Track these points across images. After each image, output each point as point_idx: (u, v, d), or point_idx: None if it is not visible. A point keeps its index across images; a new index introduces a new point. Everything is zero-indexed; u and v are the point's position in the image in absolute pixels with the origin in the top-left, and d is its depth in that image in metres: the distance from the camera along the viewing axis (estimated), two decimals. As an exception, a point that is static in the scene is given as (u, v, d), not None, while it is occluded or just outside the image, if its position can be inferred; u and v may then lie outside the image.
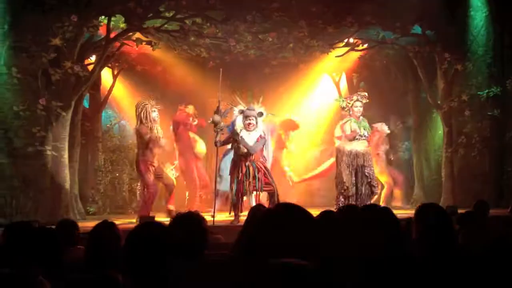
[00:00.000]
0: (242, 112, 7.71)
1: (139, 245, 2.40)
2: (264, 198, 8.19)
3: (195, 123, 10.56)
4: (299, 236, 1.56)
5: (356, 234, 2.32)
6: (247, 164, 7.69)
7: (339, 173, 8.59)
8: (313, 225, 1.63)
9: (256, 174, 7.69)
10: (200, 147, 10.54)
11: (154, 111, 8.68)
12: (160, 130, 8.70)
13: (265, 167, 7.97)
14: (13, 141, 8.39)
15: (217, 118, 7.82)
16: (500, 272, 2.40)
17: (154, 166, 8.61)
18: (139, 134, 8.59)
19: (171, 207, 8.67)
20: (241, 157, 7.69)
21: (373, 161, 8.96)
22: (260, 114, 7.77)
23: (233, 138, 7.75)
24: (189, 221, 2.86)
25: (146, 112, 8.50)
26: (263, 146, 8.19)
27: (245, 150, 7.60)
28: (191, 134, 10.46)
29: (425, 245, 2.86)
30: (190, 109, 10.65)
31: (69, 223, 4.43)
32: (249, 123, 7.63)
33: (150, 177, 8.57)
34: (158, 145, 8.58)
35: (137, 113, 8.61)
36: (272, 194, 7.74)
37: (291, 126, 11.48)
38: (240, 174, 7.68)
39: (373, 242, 2.22)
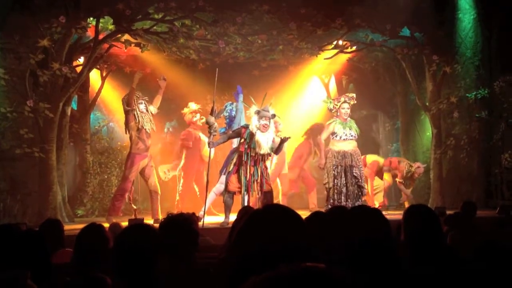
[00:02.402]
0: (258, 112, 7.58)
1: (128, 247, 2.39)
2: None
3: (203, 120, 9.81)
4: (287, 237, 1.55)
5: (345, 235, 2.32)
6: (257, 165, 7.61)
7: (327, 174, 8.63)
8: (301, 226, 1.62)
9: (264, 173, 7.69)
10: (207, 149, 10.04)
11: (141, 103, 8.66)
12: (149, 122, 8.67)
13: (266, 166, 8.00)
14: (0, 143, 8.32)
15: (211, 119, 7.74)
16: (488, 274, 2.41)
17: (151, 166, 8.79)
18: (125, 121, 8.66)
19: (161, 218, 8.59)
20: (254, 157, 7.58)
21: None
22: (273, 116, 7.71)
23: (245, 138, 7.61)
24: (180, 223, 2.85)
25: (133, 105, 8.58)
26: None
27: (262, 151, 7.48)
28: (202, 137, 10.09)
29: (413, 247, 2.87)
30: (190, 106, 10.19)
31: (53, 222, 4.40)
32: (265, 124, 7.51)
33: (130, 173, 8.59)
34: (147, 135, 8.61)
35: (124, 107, 8.66)
36: (266, 193, 7.67)
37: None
38: (248, 174, 7.57)
39: (361, 243, 2.22)
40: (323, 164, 8.66)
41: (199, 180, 9.98)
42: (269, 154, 7.75)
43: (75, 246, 3.28)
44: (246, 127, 7.65)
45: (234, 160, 7.72)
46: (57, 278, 2.76)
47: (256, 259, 1.46)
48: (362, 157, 9.79)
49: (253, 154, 7.55)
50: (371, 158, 10.17)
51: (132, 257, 2.34)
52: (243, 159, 7.59)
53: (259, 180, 7.61)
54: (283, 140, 7.58)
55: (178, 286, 2.53)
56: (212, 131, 7.73)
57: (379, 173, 10.17)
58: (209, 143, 7.78)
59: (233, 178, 7.65)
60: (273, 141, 7.64)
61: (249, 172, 7.57)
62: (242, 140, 7.62)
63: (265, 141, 7.50)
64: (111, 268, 2.42)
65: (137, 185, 10.33)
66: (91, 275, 2.56)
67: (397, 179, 10.10)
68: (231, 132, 7.97)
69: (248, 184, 7.56)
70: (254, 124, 7.54)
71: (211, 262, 2.92)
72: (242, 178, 7.58)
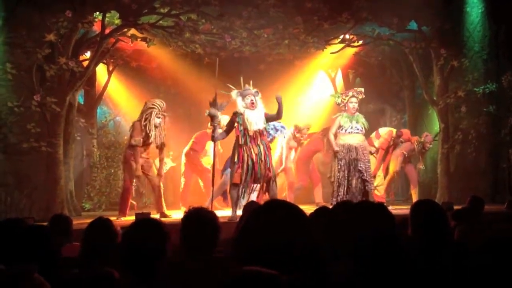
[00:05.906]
0: (240, 93, 7.39)
1: (135, 241, 2.40)
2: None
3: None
4: (289, 234, 1.54)
5: (350, 230, 2.31)
6: (258, 143, 7.33)
7: (333, 168, 8.62)
8: (304, 222, 1.61)
9: (268, 153, 7.39)
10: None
11: (159, 117, 8.40)
12: (160, 137, 8.44)
13: (269, 146, 7.69)
14: (7, 137, 8.35)
15: (213, 111, 7.49)
16: (496, 269, 2.40)
17: (148, 159, 8.62)
18: (131, 129, 8.52)
19: (166, 211, 8.48)
20: (252, 137, 7.30)
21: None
22: (257, 93, 7.53)
23: (237, 122, 7.32)
24: (203, 217, 2.85)
25: (150, 116, 8.34)
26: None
27: (254, 127, 7.23)
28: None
29: (421, 241, 2.86)
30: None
31: (62, 218, 4.43)
32: (251, 101, 7.31)
33: (128, 173, 8.52)
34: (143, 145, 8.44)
35: (142, 111, 8.49)
36: (269, 181, 7.41)
37: None
38: (254, 154, 7.27)
39: (367, 238, 2.21)
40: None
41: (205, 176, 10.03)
42: (265, 131, 7.50)
43: (82, 240, 3.29)
44: (235, 113, 7.47)
45: (238, 151, 7.42)
46: (65, 272, 2.77)
47: (259, 255, 1.45)
48: (375, 131, 9.72)
49: (251, 134, 7.32)
50: (384, 129, 10.01)
51: (139, 252, 2.34)
52: (241, 142, 7.33)
53: (263, 159, 7.32)
54: (277, 99, 7.26)
55: (197, 278, 2.55)
56: (215, 124, 7.59)
57: (394, 145, 9.88)
58: (212, 137, 7.67)
59: (239, 169, 7.36)
60: (265, 116, 7.43)
61: (254, 152, 7.32)
62: (236, 124, 7.39)
63: (256, 117, 7.32)
64: (119, 262, 2.43)
65: (143, 179, 10.34)
66: (99, 269, 2.57)
67: (403, 151, 9.93)
68: (225, 126, 7.83)
69: (256, 165, 7.27)
70: (240, 105, 7.38)
71: (220, 257, 2.92)
72: (248, 160, 7.27)
